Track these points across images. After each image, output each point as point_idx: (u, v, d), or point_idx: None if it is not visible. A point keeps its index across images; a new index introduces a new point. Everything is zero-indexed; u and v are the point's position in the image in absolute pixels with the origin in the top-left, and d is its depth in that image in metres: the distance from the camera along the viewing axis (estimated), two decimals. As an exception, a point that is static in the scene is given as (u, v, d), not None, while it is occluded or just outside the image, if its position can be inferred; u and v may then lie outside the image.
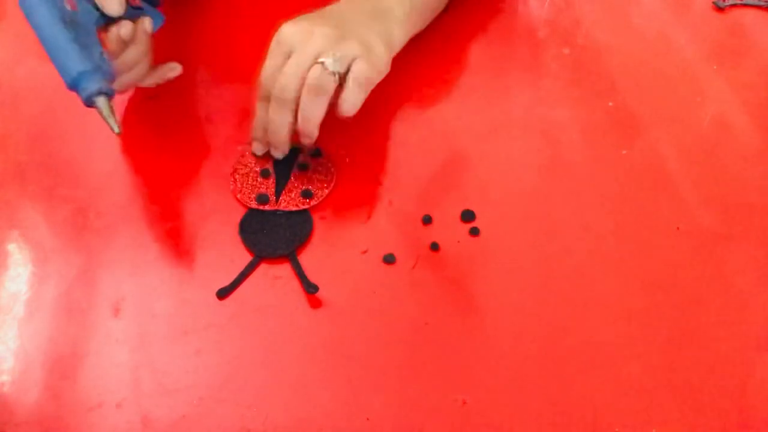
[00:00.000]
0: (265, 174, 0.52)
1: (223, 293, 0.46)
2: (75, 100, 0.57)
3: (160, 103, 0.57)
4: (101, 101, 0.45)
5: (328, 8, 0.53)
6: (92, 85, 0.45)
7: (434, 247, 0.48)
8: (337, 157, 0.54)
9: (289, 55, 0.48)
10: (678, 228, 0.50)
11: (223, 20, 0.65)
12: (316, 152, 0.53)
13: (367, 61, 0.48)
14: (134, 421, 0.41)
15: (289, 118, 0.49)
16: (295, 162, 0.53)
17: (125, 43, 0.49)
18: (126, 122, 0.56)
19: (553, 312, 0.46)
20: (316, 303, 0.46)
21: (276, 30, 0.49)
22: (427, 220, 0.50)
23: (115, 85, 0.49)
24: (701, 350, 0.44)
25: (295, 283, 0.47)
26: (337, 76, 0.47)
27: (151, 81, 0.54)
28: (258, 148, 0.53)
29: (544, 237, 0.50)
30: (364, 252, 0.49)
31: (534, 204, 0.51)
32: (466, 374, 0.43)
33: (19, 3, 0.46)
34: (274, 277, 0.47)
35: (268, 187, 0.51)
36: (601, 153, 0.55)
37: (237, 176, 0.52)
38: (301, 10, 0.61)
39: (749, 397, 0.42)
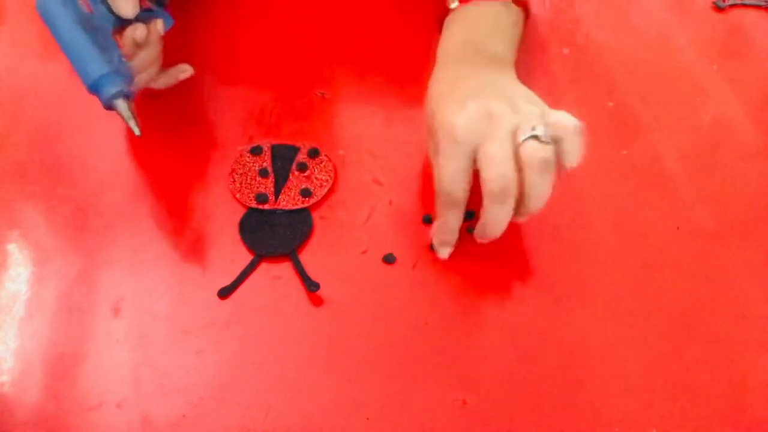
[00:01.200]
0: (263, 173, 0.52)
1: (224, 293, 0.46)
2: (75, 100, 0.57)
3: (160, 103, 0.57)
4: (121, 104, 0.46)
5: (459, 79, 0.48)
6: (113, 88, 0.46)
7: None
8: (337, 156, 0.54)
9: (473, 150, 0.42)
10: (678, 228, 0.50)
11: (224, 20, 0.65)
12: (315, 152, 0.53)
13: (553, 110, 0.43)
14: (134, 421, 0.41)
15: (512, 207, 0.42)
16: (293, 161, 0.53)
17: (139, 46, 0.49)
18: (126, 123, 0.56)
19: (553, 312, 0.46)
20: (316, 303, 0.46)
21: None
22: (427, 220, 0.50)
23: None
24: (701, 350, 0.44)
25: (295, 283, 0.47)
26: (551, 142, 0.41)
27: (162, 82, 0.54)
28: (447, 253, 0.48)
29: (544, 237, 0.49)
30: (364, 252, 0.49)
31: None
32: (466, 374, 0.43)
33: (37, 7, 0.47)
34: (274, 276, 0.47)
35: (267, 186, 0.51)
36: (601, 153, 0.55)
37: (236, 176, 0.52)
38: (302, 11, 0.61)
39: (749, 397, 0.42)
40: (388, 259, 0.48)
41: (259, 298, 0.46)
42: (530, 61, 0.62)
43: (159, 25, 0.51)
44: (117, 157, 0.54)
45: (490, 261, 0.48)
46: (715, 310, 0.46)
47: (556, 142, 0.41)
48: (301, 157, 0.53)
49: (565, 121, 0.42)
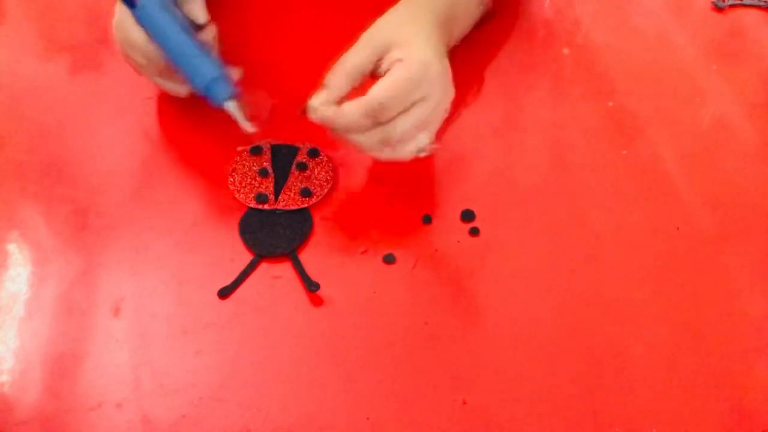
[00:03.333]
0: (263, 173, 0.52)
1: (224, 293, 0.46)
2: (75, 100, 0.57)
3: (161, 104, 0.57)
4: (233, 104, 0.48)
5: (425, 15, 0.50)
6: (225, 90, 0.48)
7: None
8: (337, 156, 0.54)
9: (420, 97, 0.45)
10: (678, 228, 0.50)
11: (224, 21, 0.65)
12: (315, 152, 0.53)
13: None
14: (134, 421, 0.41)
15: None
16: (293, 161, 0.53)
17: (212, 48, 0.51)
18: (126, 122, 0.56)
19: (553, 312, 0.46)
20: (316, 303, 0.46)
21: (340, 47, 0.47)
22: (427, 220, 0.50)
23: (185, 89, 0.52)
24: (701, 350, 0.44)
25: (295, 283, 0.47)
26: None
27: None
28: (317, 118, 0.48)
29: (544, 237, 0.50)
30: (364, 252, 0.49)
31: (534, 204, 0.51)
32: (466, 374, 0.43)
33: (138, 18, 0.48)
34: (274, 276, 0.47)
35: (267, 186, 0.51)
36: (601, 153, 0.55)
37: (236, 176, 0.52)
38: (303, 11, 0.61)
39: (749, 397, 0.42)
40: (388, 259, 0.48)
41: (259, 298, 0.46)
42: (530, 61, 0.62)
43: (214, 28, 0.52)
44: (117, 157, 0.54)
45: (490, 261, 0.48)
46: (715, 311, 0.46)
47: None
48: (301, 156, 0.53)
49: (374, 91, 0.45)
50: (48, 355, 0.44)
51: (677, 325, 0.45)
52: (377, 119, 0.45)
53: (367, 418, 0.41)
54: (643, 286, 0.47)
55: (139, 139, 0.55)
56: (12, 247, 0.49)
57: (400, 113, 0.45)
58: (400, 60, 0.45)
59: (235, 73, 0.54)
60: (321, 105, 0.47)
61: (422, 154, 0.48)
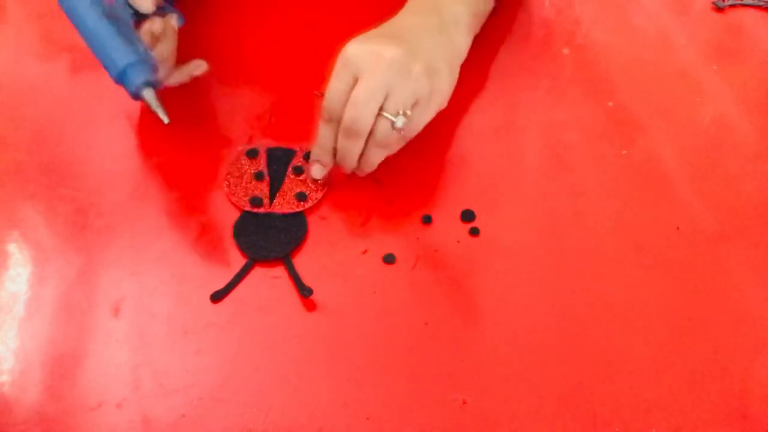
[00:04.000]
0: (259, 176, 0.52)
1: (217, 297, 0.46)
2: (75, 100, 0.57)
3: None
4: (149, 93, 0.46)
5: (395, 23, 0.51)
6: (139, 77, 0.46)
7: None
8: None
9: (355, 78, 0.47)
10: (678, 228, 0.50)
11: (223, 22, 0.65)
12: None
13: (428, 105, 0.49)
14: (134, 421, 0.41)
15: (360, 147, 0.48)
16: (289, 165, 0.53)
17: (156, 39, 0.50)
18: (125, 123, 0.56)
19: (553, 312, 0.46)
20: (316, 303, 0.46)
21: (339, 48, 0.48)
22: (427, 220, 0.50)
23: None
24: (701, 350, 0.44)
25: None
26: (402, 132, 0.47)
27: (177, 78, 0.54)
28: (318, 171, 0.51)
29: (544, 237, 0.50)
30: (364, 252, 0.49)
31: (534, 204, 0.51)
32: (466, 374, 0.43)
33: (60, 3, 0.47)
34: (274, 276, 0.47)
35: (262, 189, 0.51)
36: (601, 153, 0.55)
37: (231, 179, 0.52)
38: (302, 11, 0.61)
39: (749, 397, 0.42)
40: (388, 259, 0.48)
41: (259, 298, 0.46)
42: (530, 61, 0.62)
43: (174, 20, 0.51)
44: (117, 157, 0.54)
45: (490, 261, 0.48)
46: (715, 311, 0.46)
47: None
48: (297, 160, 0.53)
49: (414, 128, 0.48)
50: (48, 355, 0.44)
51: (677, 325, 0.45)
52: (332, 119, 0.48)
53: (367, 418, 0.41)
54: (643, 286, 0.47)
55: (139, 139, 0.55)
56: (12, 247, 0.49)
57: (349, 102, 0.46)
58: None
59: (199, 66, 0.54)
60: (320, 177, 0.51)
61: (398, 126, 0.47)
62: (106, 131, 0.55)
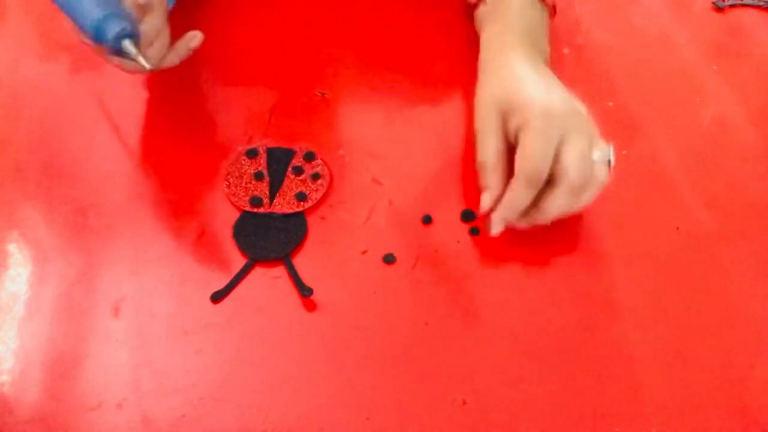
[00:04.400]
0: (259, 176, 0.52)
1: (217, 297, 0.46)
2: (75, 100, 0.57)
3: (160, 104, 0.57)
4: (128, 43, 0.45)
5: (537, 70, 0.50)
6: (115, 28, 0.44)
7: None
8: (337, 156, 0.54)
9: (560, 140, 0.45)
10: (678, 228, 0.50)
11: (223, 21, 0.65)
12: (311, 155, 0.53)
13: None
14: (134, 421, 0.41)
15: (573, 202, 0.46)
16: (289, 165, 0.53)
17: (143, 11, 0.48)
18: (125, 123, 0.56)
19: (553, 312, 0.46)
20: (316, 303, 0.46)
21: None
22: (427, 220, 0.50)
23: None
24: (701, 350, 0.44)
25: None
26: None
27: (175, 56, 0.53)
28: (500, 229, 0.48)
29: (544, 237, 0.49)
30: (364, 252, 0.49)
31: (534, 204, 0.51)
32: (466, 374, 0.43)
33: None
34: (274, 276, 0.47)
35: (262, 189, 0.51)
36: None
37: (231, 179, 0.52)
38: (302, 10, 0.61)
39: (749, 397, 0.42)
40: (388, 259, 0.48)
41: (259, 298, 0.46)
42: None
43: None
44: (117, 157, 0.54)
45: (489, 261, 0.48)
46: (715, 311, 0.46)
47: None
48: (297, 160, 0.53)
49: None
50: (48, 355, 0.44)
51: (677, 325, 0.45)
52: (538, 184, 0.45)
53: (367, 418, 0.41)
54: (643, 286, 0.47)
55: (139, 139, 0.55)
56: (12, 247, 0.49)
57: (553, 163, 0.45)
58: (523, 125, 0.45)
59: (195, 38, 0.52)
60: (496, 215, 0.47)
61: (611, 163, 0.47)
62: (106, 131, 0.55)
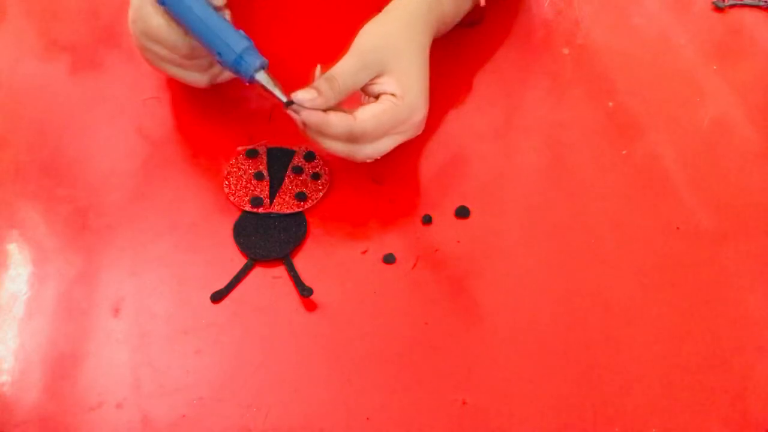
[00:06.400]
0: (258, 176, 0.52)
1: (217, 297, 0.46)
2: (75, 100, 0.57)
3: (160, 104, 0.57)
4: (264, 75, 0.47)
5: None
6: (256, 60, 0.47)
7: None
8: (336, 157, 0.54)
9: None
10: (678, 228, 0.50)
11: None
12: (311, 155, 0.53)
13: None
14: (134, 421, 0.41)
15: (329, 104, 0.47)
16: (289, 165, 0.53)
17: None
18: (126, 122, 0.56)
19: (553, 312, 0.46)
20: (316, 303, 0.46)
21: (342, 45, 0.49)
22: (427, 220, 0.50)
23: (203, 79, 0.52)
24: (701, 350, 0.44)
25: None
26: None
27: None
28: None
29: (544, 237, 0.50)
30: (364, 252, 0.49)
31: (534, 204, 0.51)
32: (466, 374, 0.43)
33: None
34: (274, 276, 0.47)
35: (262, 189, 0.51)
36: (601, 153, 0.55)
37: (231, 179, 0.52)
38: (302, 10, 0.61)
39: (749, 397, 0.42)
40: (388, 259, 0.48)
41: (259, 298, 0.46)
42: (530, 61, 0.62)
43: (229, 15, 0.52)
44: (117, 157, 0.54)
45: (489, 261, 0.48)
46: (715, 311, 0.46)
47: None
48: (297, 160, 0.53)
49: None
50: (48, 355, 0.44)
51: (677, 325, 0.45)
52: (355, 140, 0.48)
53: (367, 418, 0.41)
54: (643, 286, 0.47)
55: (139, 139, 0.55)
56: (12, 247, 0.49)
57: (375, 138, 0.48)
58: (393, 95, 0.48)
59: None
60: (309, 106, 0.47)
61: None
62: (106, 131, 0.55)
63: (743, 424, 0.41)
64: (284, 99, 0.47)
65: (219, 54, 0.47)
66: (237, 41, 0.47)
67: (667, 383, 0.43)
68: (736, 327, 0.45)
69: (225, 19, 0.49)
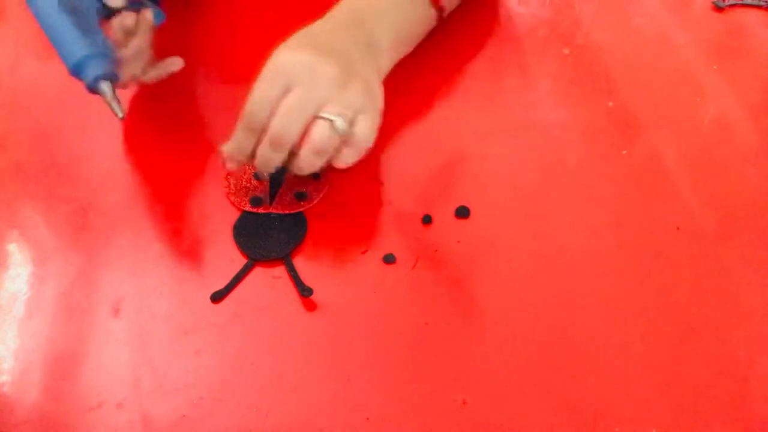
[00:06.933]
0: (258, 176, 0.52)
1: (217, 297, 0.46)
2: (75, 100, 0.57)
3: (160, 104, 0.57)
4: (105, 86, 0.46)
5: (324, 35, 0.49)
6: (95, 70, 0.45)
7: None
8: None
9: (286, 88, 0.45)
10: (678, 228, 0.50)
11: (221, 20, 0.65)
12: None
13: (371, 117, 0.47)
14: (134, 421, 0.41)
15: (282, 158, 0.46)
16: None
17: (128, 34, 0.49)
18: (125, 123, 0.56)
19: (553, 312, 0.46)
20: (316, 303, 0.46)
21: (271, 52, 0.46)
22: (427, 220, 0.50)
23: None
24: (701, 350, 0.44)
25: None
26: (341, 136, 0.45)
27: (153, 75, 0.53)
28: (234, 166, 0.49)
29: (545, 237, 0.50)
30: (364, 252, 0.49)
31: (534, 204, 0.51)
32: (466, 374, 0.43)
33: None
34: (274, 276, 0.47)
35: (262, 189, 0.51)
36: (601, 153, 0.55)
37: (231, 179, 0.52)
38: (301, 9, 0.61)
39: (749, 397, 0.42)
40: (388, 259, 0.48)
41: (259, 298, 0.46)
42: (530, 61, 0.62)
43: (148, 15, 0.50)
44: (117, 157, 0.54)
45: (489, 261, 0.48)
46: (715, 310, 0.46)
47: (343, 141, 0.45)
48: None
49: (362, 136, 0.46)
50: (48, 355, 0.44)
51: (677, 325, 0.45)
52: (253, 129, 0.46)
53: (367, 418, 0.41)
54: (644, 286, 0.47)
55: (139, 139, 0.55)
56: (12, 247, 0.49)
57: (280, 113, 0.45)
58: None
59: (174, 63, 0.53)
60: (224, 148, 0.48)
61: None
62: (106, 131, 0.55)
63: (743, 424, 0.41)
64: (120, 115, 0.47)
65: (63, 60, 0.46)
66: (79, 48, 0.45)
67: (667, 383, 0.43)
68: (736, 327, 0.45)
69: (91, 23, 0.47)
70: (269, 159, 0.46)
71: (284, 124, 0.44)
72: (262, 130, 0.46)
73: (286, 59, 0.45)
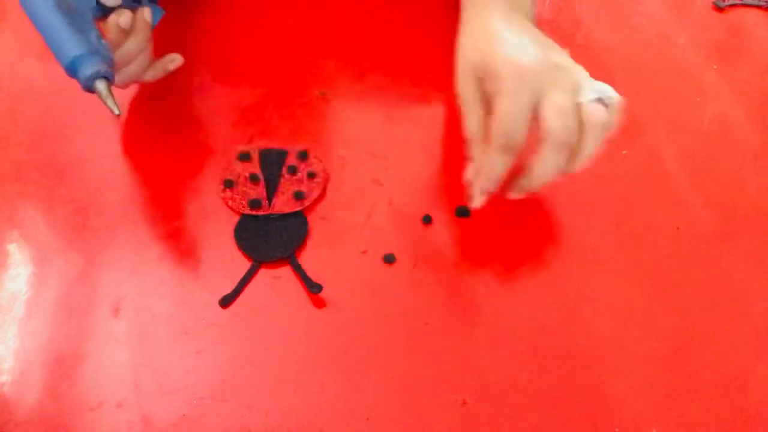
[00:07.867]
0: (254, 179, 0.52)
1: (226, 301, 0.46)
2: (75, 100, 0.57)
3: (160, 104, 0.57)
4: (100, 84, 0.45)
5: (517, 29, 0.46)
6: (90, 68, 0.45)
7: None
8: (337, 156, 0.54)
9: (534, 95, 0.42)
10: (678, 228, 0.50)
11: (222, 20, 0.65)
12: (304, 154, 0.53)
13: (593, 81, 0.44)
14: (134, 421, 0.41)
15: (563, 161, 0.44)
16: (284, 165, 0.53)
17: (125, 33, 0.49)
18: (126, 123, 0.56)
19: (553, 312, 0.46)
20: (316, 303, 0.46)
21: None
22: (427, 220, 0.50)
23: (117, 79, 0.50)
24: (701, 350, 0.44)
25: (294, 284, 0.47)
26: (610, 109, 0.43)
27: (152, 74, 0.53)
28: (481, 202, 0.47)
29: (544, 237, 0.50)
30: (364, 252, 0.49)
31: (534, 203, 0.51)
32: (466, 374, 0.43)
33: None
34: (274, 277, 0.47)
35: (259, 192, 0.51)
36: (601, 153, 0.55)
37: (227, 187, 0.52)
38: (301, 9, 0.61)
39: (749, 397, 0.42)
40: (388, 259, 0.48)
41: (259, 298, 0.46)
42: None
43: (146, 13, 0.50)
44: (117, 157, 0.54)
45: (489, 261, 0.48)
46: (715, 310, 0.46)
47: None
48: (291, 160, 0.53)
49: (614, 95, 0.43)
50: (48, 355, 0.44)
51: (677, 325, 0.45)
52: (513, 149, 0.44)
53: (367, 418, 0.41)
54: (644, 286, 0.47)
55: (139, 139, 0.55)
56: (12, 247, 0.49)
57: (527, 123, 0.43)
58: (496, 91, 0.43)
59: (174, 61, 0.53)
60: (474, 186, 0.46)
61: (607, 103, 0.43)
62: (106, 131, 0.55)
63: (743, 424, 0.41)
64: (117, 112, 0.46)
65: (57, 59, 0.45)
66: (73, 47, 0.45)
67: (668, 383, 0.43)
68: (737, 327, 0.45)
69: (88, 21, 0.47)
70: (551, 168, 0.44)
71: (564, 123, 0.42)
72: (519, 148, 0.43)
73: (526, 63, 0.43)
